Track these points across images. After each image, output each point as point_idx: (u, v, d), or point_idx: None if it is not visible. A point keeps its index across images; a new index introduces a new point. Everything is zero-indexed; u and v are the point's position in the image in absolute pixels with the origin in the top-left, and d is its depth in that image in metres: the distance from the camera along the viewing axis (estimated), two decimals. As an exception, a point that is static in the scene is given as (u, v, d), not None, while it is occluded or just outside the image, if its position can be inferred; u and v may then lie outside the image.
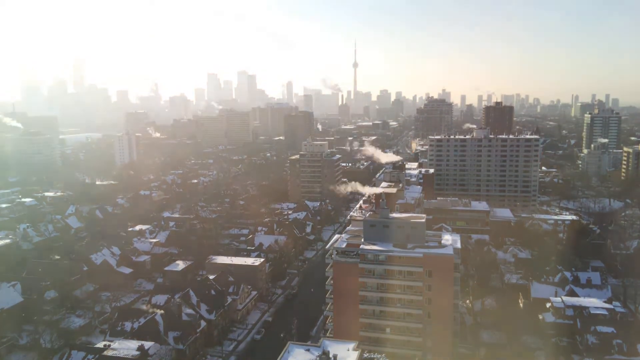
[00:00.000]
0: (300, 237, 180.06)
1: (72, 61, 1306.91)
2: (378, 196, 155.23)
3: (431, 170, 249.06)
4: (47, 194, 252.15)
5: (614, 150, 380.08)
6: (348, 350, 68.03)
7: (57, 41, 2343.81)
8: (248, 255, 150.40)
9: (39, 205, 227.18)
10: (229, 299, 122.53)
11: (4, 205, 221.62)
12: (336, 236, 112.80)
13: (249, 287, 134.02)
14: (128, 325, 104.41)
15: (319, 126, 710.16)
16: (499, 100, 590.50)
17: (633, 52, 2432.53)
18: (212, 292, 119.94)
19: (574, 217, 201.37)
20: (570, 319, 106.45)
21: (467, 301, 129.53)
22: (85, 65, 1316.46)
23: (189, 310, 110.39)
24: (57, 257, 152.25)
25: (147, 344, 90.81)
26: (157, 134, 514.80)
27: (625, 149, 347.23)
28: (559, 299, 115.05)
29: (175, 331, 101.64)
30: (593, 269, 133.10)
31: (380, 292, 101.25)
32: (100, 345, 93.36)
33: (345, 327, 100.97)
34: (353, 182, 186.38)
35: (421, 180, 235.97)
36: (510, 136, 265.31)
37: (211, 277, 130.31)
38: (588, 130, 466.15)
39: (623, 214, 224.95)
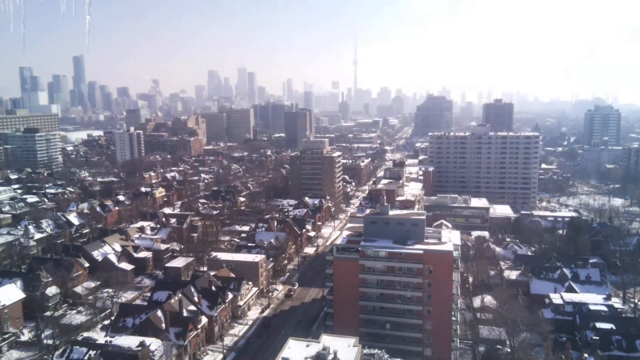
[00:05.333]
0: (300, 234, 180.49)
1: (72, 58, 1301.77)
2: (378, 193, 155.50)
3: (431, 168, 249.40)
4: (48, 190, 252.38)
5: (614, 147, 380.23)
6: (348, 346, 68.52)
7: (57, 38, 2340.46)
8: (249, 252, 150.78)
9: (40, 202, 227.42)
10: (230, 295, 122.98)
11: (5, 202, 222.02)
12: (336, 233, 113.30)
13: (250, 283, 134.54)
14: (129, 322, 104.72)
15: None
16: (498, 97, 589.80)
17: (633, 49, 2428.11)
18: (213, 288, 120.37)
19: (574, 214, 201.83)
20: (569, 316, 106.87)
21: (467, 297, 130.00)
22: (85, 62, 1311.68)
23: (190, 307, 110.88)
24: (59, 253, 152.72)
25: (149, 340, 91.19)
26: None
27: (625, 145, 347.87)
28: (558, 295, 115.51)
29: (176, 327, 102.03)
30: (592, 265, 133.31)
31: (380, 288, 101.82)
32: (102, 341, 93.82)
33: (346, 323, 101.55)
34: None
35: (421, 177, 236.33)
36: (510, 133, 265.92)
37: (212, 273, 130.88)
38: (587, 127, 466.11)
39: (622, 210, 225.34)
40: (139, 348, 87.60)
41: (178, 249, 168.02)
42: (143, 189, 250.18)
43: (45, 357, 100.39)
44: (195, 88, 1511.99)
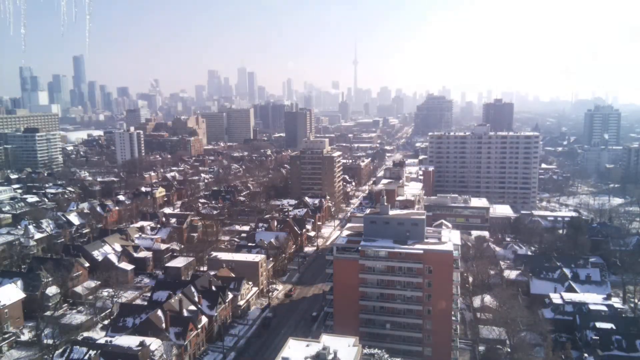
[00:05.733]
0: (300, 234, 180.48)
1: (72, 58, 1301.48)
2: (378, 193, 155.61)
3: (431, 168, 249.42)
4: (48, 190, 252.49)
5: (614, 147, 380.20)
6: (348, 345, 68.44)
7: (58, 37, 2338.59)
8: (249, 252, 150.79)
9: (41, 202, 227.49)
10: (230, 295, 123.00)
11: (5, 202, 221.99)
12: (336, 233, 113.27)
13: (250, 283, 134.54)
14: (130, 321, 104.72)
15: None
16: (498, 97, 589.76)
17: (633, 49, 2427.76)
18: (213, 288, 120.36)
19: (574, 214, 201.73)
20: (569, 315, 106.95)
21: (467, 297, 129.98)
22: (85, 62, 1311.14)
23: (190, 306, 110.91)
24: (59, 253, 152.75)
25: (149, 340, 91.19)
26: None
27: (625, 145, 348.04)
28: (558, 295, 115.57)
29: (176, 327, 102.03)
30: (592, 265, 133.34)
31: (381, 288, 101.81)
32: (102, 341, 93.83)
33: (346, 322, 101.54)
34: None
35: (421, 177, 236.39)
36: (510, 133, 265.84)
37: (212, 273, 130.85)
38: (587, 127, 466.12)
39: (623, 210, 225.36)
40: (139, 348, 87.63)
41: (178, 248, 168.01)
42: (143, 189, 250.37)
43: (45, 356, 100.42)
44: (195, 88, 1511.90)
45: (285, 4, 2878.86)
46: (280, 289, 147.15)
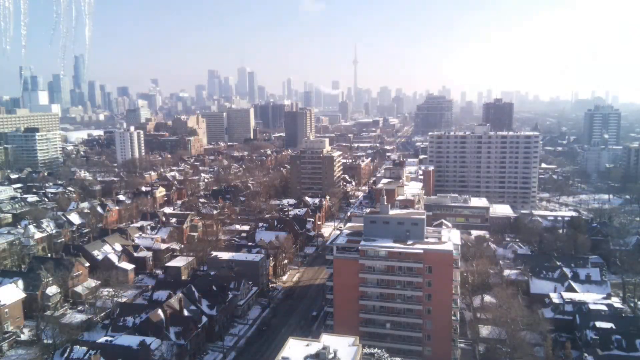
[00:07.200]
0: (300, 233, 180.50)
1: (72, 58, 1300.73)
2: (378, 192, 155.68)
3: (431, 167, 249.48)
4: (48, 190, 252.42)
5: (614, 147, 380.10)
6: (348, 345, 68.53)
7: (57, 37, 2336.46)
8: (249, 251, 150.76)
9: (41, 202, 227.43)
10: (230, 295, 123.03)
11: (5, 202, 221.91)
12: (336, 232, 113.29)
13: (250, 282, 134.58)
14: (130, 321, 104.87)
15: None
16: (498, 96, 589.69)
17: (633, 49, 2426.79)
18: (214, 287, 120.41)
19: (574, 214, 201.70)
20: (569, 315, 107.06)
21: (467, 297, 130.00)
22: (85, 62, 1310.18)
23: (191, 306, 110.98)
24: (59, 253, 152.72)
25: (149, 339, 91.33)
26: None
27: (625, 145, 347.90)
28: (558, 294, 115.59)
29: (176, 326, 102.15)
30: (592, 265, 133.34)
31: (381, 287, 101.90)
32: (102, 340, 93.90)
33: (346, 322, 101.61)
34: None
35: (421, 177, 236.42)
36: (510, 133, 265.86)
37: (212, 272, 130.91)
38: (587, 126, 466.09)
39: (622, 210, 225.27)
40: (139, 347, 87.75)
41: (178, 248, 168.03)
42: (143, 189, 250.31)
43: (46, 356, 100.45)
44: (195, 88, 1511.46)
45: (285, 4, 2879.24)
46: (280, 289, 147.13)
